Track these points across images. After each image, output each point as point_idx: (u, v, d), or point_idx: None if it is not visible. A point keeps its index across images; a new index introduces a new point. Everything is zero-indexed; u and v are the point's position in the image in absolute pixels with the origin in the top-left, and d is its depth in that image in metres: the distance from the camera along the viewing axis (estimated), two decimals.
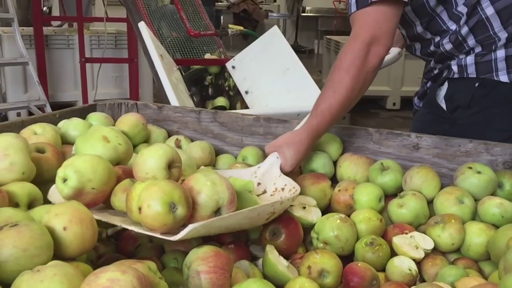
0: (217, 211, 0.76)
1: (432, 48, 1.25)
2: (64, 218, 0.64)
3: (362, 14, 1.03)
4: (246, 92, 1.93)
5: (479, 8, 1.14)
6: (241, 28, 2.18)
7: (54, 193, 0.82)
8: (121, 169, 0.86)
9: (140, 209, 0.72)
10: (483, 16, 1.14)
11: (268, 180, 1.01)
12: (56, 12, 6.36)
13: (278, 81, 1.84)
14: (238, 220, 0.79)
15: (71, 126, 1.05)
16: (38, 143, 0.91)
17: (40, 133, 0.98)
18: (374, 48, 1.01)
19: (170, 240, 0.70)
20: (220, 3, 8.62)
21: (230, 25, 2.17)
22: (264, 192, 0.99)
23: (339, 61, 1.04)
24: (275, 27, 1.93)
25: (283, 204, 0.87)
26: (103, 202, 0.82)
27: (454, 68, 1.21)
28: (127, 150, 0.95)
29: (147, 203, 0.71)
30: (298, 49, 8.39)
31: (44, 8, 5.76)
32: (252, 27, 8.33)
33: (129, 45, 3.94)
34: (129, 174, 0.85)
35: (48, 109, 3.54)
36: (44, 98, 3.54)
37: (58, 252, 0.62)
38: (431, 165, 1.07)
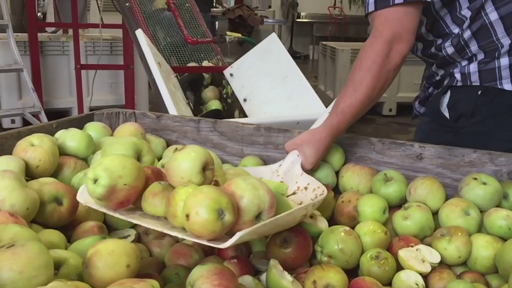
0: (258, 216, 0.76)
1: (433, 50, 1.23)
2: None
3: (382, 12, 1.02)
4: (245, 100, 1.91)
5: (483, 13, 1.12)
6: (239, 35, 2.16)
7: (83, 193, 0.81)
8: (149, 169, 0.84)
9: (187, 216, 0.70)
10: (487, 21, 1.12)
11: (290, 179, 1.00)
12: (50, 17, 6.33)
13: (276, 88, 1.83)
14: (277, 225, 0.79)
15: (68, 136, 1.03)
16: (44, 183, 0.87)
17: (37, 144, 0.96)
18: (396, 46, 1.01)
19: (219, 247, 0.70)
20: (215, 9, 8.62)
21: (228, 32, 2.16)
22: None
23: (360, 60, 1.03)
24: (273, 35, 1.92)
25: (314, 206, 0.87)
26: (134, 202, 0.80)
27: (457, 76, 1.19)
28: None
29: (195, 210, 0.70)
30: (293, 55, 8.41)
31: (39, 14, 5.73)
32: (248, 33, 8.32)
33: (124, 51, 3.92)
34: (158, 174, 0.84)
35: (43, 116, 3.52)
36: (38, 105, 3.51)
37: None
38: (435, 175, 1.05)
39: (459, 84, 1.19)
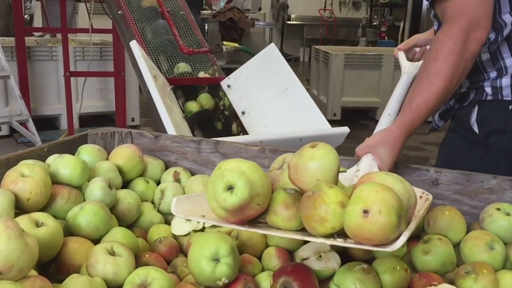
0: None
1: None
2: None
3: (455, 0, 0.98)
4: (243, 113, 1.84)
5: None
6: (236, 44, 2.10)
7: (179, 206, 0.75)
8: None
9: (366, 212, 0.63)
10: None
11: None
12: (38, 20, 6.21)
13: (276, 101, 1.77)
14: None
15: (61, 164, 0.95)
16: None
17: (28, 174, 0.88)
18: (474, 33, 0.97)
19: (385, 251, 0.63)
20: (205, 11, 8.53)
21: (225, 42, 2.09)
22: None
23: (434, 50, 0.99)
24: (272, 45, 1.86)
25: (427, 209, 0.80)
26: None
27: (488, 89, 1.13)
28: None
29: (379, 208, 0.63)
30: (283, 57, 8.37)
31: (26, 16, 5.61)
32: (238, 35, 8.26)
33: (115, 57, 3.83)
34: None
35: (30, 124, 3.42)
36: (26, 113, 3.41)
37: None
38: (451, 202, 1.00)
39: (489, 98, 1.13)
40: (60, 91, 4.03)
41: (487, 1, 0.99)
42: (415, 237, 0.93)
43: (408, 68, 1.29)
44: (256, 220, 0.77)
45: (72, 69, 3.83)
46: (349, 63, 4.96)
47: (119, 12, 2.06)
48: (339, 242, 0.67)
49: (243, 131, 1.84)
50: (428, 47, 1.34)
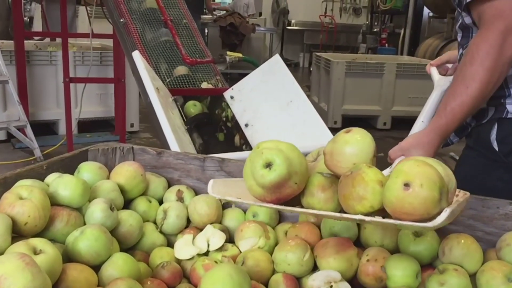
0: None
1: None
2: None
3: (494, 4, 0.98)
4: (246, 125, 1.81)
5: None
6: (240, 55, 2.06)
7: (216, 187, 0.76)
8: None
9: (407, 186, 0.62)
10: None
11: None
12: (37, 23, 6.18)
13: (280, 114, 1.73)
14: (460, 210, 0.71)
15: (61, 185, 0.91)
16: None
17: (26, 197, 0.84)
18: (511, 37, 0.95)
19: (427, 226, 0.62)
20: (205, 16, 8.51)
21: (228, 52, 2.06)
22: None
23: (470, 54, 0.99)
24: (277, 56, 1.83)
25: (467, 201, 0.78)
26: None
27: (509, 107, 1.10)
28: None
29: (421, 181, 0.62)
30: None
31: (25, 18, 5.58)
32: (239, 40, 8.24)
33: (115, 63, 3.79)
34: None
35: (28, 130, 3.37)
36: (24, 118, 3.37)
37: None
38: (465, 228, 0.96)
39: (510, 116, 1.11)
40: (59, 96, 3.99)
41: None
42: (430, 266, 0.89)
43: (439, 81, 1.29)
44: (291, 204, 0.76)
45: (71, 74, 3.79)
46: (350, 71, 4.93)
47: (121, 20, 2.03)
48: (378, 218, 0.66)
49: (246, 143, 1.80)
50: None
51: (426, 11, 8.36)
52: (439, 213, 0.63)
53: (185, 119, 1.79)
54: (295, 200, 0.79)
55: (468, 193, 0.80)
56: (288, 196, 0.74)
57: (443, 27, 7.31)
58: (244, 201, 0.74)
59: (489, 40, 0.96)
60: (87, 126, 4.35)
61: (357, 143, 0.74)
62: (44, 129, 4.20)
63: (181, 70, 2.05)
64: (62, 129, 4.10)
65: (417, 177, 0.63)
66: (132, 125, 4.47)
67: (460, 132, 1.26)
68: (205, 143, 1.95)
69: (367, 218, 0.66)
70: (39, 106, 4.08)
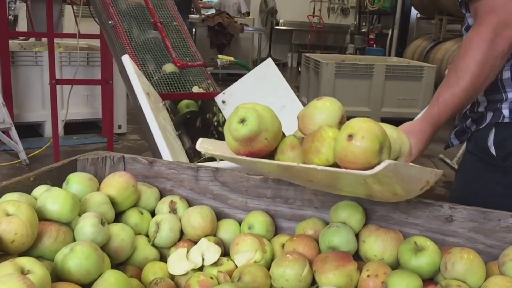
0: (396, 159, 0.78)
1: None
2: None
3: (487, 0, 1.00)
4: None
5: None
6: (232, 58, 2.03)
7: (203, 144, 0.87)
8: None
9: (351, 136, 0.70)
10: None
11: None
12: (22, 22, 6.07)
13: None
14: (409, 176, 0.77)
15: (49, 199, 0.87)
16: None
17: (13, 213, 0.80)
18: (503, 32, 0.98)
19: (364, 174, 0.68)
20: (194, 16, 8.45)
21: (220, 56, 2.02)
22: None
23: (464, 48, 1.02)
24: (269, 60, 1.80)
25: (436, 176, 0.84)
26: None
27: (505, 112, 1.11)
28: None
29: (362, 134, 0.70)
30: None
31: (10, 17, 5.47)
32: (227, 40, 8.19)
33: (102, 65, 3.73)
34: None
35: (13, 133, 3.30)
36: (9, 120, 3.30)
37: None
38: (466, 240, 0.95)
39: (506, 120, 1.12)
40: (45, 97, 3.91)
41: None
42: (431, 282, 0.87)
43: None
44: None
45: (58, 75, 3.71)
46: (340, 72, 4.93)
47: (110, 22, 1.98)
48: (326, 168, 0.73)
49: None
50: None
51: (414, 12, 8.39)
52: (379, 163, 0.69)
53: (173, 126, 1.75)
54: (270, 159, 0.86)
55: (440, 171, 0.86)
56: (259, 151, 0.82)
57: (431, 28, 7.34)
58: (222, 155, 0.84)
59: (481, 34, 0.99)
60: (73, 127, 4.27)
61: (325, 108, 0.82)
62: (29, 131, 4.12)
63: (169, 67, 2.02)
64: (48, 131, 4.02)
65: (360, 130, 0.70)
66: (119, 127, 4.41)
67: (460, 135, 1.27)
68: (195, 147, 1.91)
69: (319, 167, 0.73)
70: (24, 108, 4.00)
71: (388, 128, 0.79)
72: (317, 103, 0.83)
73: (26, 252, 0.82)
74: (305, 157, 0.78)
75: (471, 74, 1.00)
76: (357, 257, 0.97)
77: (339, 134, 0.73)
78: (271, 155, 0.86)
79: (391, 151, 0.75)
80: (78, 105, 4.11)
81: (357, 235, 0.99)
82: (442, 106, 1.03)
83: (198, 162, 1.79)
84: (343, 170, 0.71)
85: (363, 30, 10.22)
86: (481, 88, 1.04)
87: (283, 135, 0.90)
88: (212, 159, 1.76)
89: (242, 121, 0.79)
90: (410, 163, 0.78)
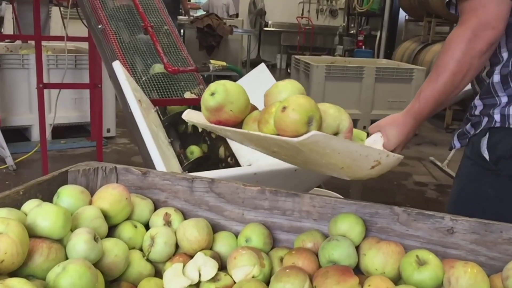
0: (335, 134, 0.87)
1: (483, 74, 1.19)
2: None
3: (468, 2, 1.04)
4: None
5: None
6: (224, 63, 2.00)
7: (188, 114, 1.02)
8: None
9: (284, 108, 0.81)
10: None
11: None
12: (8, 24, 5.98)
13: None
14: (348, 151, 0.86)
15: (40, 215, 0.84)
16: None
17: (2, 231, 0.77)
18: (482, 33, 1.02)
19: (293, 141, 0.79)
20: (182, 17, 8.40)
21: (212, 61, 1.99)
22: None
23: (445, 45, 1.07)
24: (263, 65, 1.77)
25: (389, 158, 0.93)
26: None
27: (496, 117, 1.14)
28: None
29: (293, 106, 0.81)
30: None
31: None
32: (216, 42, 8.16)
33: (91, 68, 3.67)
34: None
35: None
36: None
37: None
38: (468, 252, 0.93)
39: (497, 125, 1.14)
40: (32, 101, 3.85)
41: (501, 3, 1.02)
42: None
43: None
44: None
45: (45, 78, 3.65)
46: (330, 75, 4.92)
47: (99, 26, 1.94)
48: (267, 135, 0.86)
49: (231, 155, 1.74)
50: None
51: (402, 14, 8.43)
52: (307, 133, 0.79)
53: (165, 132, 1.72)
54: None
55: (400, 156, 0.96)
56: (226, 121, 0.95)
57: (419, 30, 7.38)
58: (200, 124, 0.99)
59: (461, 34, 1.04)
60: (61, 131, 4.21)
61: (286, 88, 0.93)
62: (16, 135, 4.05)
63: (158, 68, 1.98)
64: (35, 135, 3.96)
65: (292, 104, 0.81)
66: (108, 130, 4.35)
67: (461, 138, 1.29)
68: (185, 154, 1.88)
69: (262, 134, 0.87)
70: (11, 112, 3.93)
71: (331, 108, 0.89)
72: (280, 84, 0.95)
73: (16, 271, 0.78)
74: (259, 126, 0.89)
75: (449, 71, 1.04)
76: (357, 271, 0.95)
77: (277, 107, 0.84)
78: (239, 126, 0.97)
79: (328, 127, 0.86)
80: (66, 108, 4.05)
81: (357, 248, 0.97)
82: (423, 101, 1.07)
83: (185, 166, 1.77)
84: (277, 136, 0.82)
85: (352, 32, 10.25)
86: (460, 85, 1.08)
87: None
88: (197, 162, 1.74)
89: (212, 94, 0.92)
90: (352, 141, 0.88)
